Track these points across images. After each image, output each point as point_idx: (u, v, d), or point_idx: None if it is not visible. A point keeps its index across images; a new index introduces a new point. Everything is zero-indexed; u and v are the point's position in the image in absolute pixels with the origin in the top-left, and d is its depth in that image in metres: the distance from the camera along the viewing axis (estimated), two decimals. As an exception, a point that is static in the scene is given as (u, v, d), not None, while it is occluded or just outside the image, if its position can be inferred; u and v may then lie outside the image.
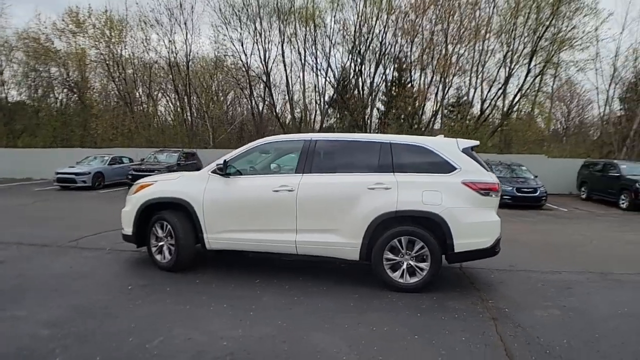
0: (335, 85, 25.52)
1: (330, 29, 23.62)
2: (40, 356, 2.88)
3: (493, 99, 22.60)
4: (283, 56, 23.27)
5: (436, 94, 24.57)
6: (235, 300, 4.06)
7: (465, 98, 26.23)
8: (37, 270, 4.95)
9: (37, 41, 23.09)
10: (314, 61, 24.34)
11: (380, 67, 25.15)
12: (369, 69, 25.14)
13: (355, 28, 23.19)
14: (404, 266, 4.48)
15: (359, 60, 24.66)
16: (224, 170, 4.78)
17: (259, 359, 2.91)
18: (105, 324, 3.40)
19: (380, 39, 23.65)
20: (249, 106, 25.13)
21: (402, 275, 4.48)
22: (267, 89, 24.29)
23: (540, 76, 21.33)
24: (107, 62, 22.87)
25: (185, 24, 22.53)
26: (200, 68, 24.34)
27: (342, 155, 4.84)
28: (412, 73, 25.22)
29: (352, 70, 25.34)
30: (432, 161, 4.60)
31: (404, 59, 25.59)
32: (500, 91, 22.52)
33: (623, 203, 12.64)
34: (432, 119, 24.58)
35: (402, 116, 26.73)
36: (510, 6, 20.31)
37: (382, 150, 4.71)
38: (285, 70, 23.67)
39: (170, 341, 3.09)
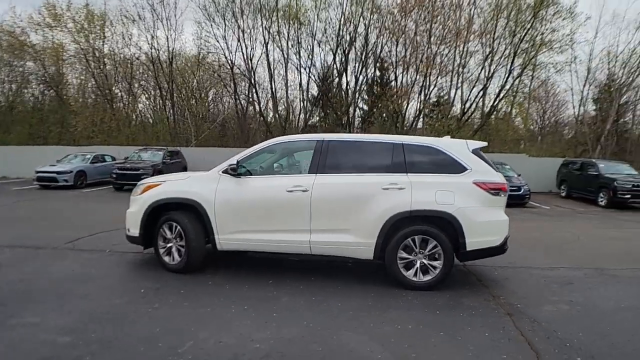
0: (319, 84, 25.56)
1: (315, 27, 23.62)
2: (68, 364, 2.80)
3: (475, 99, 23.10)
4: (267, 54, 23.14)
5: (420, 94, 24.94)
6: (253, 301, 4.04)
7: (446, 97, 26.75)
8: (39, 274, 4.78)
9: (12, 35, 22.12)
10: (298, 59, 24.32)
11: (364, 66, 25.37)
12: (353, 67, 25.34)
13: (339, 27, 23.30)
14: (418, 265, 4.56)
15: (343, 59, 24.80)
16: (236, 171, 4.75)
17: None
18: (128, 329, 3.33)
19: (364, 38, 23.84)
20: (234, 104, 24.82)
21: (415, 274, 4.56)
22: (251, 87, 24.10)
23: (519, 77, 21.92)
24: (87, 57, 22.14)
25: (167, 19, 22.18)
26: (183, 65, 23.88)
27: (355, 156, 4.87)
28: (396, 73, 25.44)
29: (335, 69, 25.44)
30: (443, 162, 4.70)
31: (387, 59, 25.92)
32: (482, 91, 23.04)
33: (602, 201, 13.18)
34: (416, 119, 24.90)
35: (384, 115, 27.08)
36: (492, 8, 20.80)
37: (395, 150, 4.77)
38: (270, 68, 23.53)
39: (202, 345, 3.06)
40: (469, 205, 4.51)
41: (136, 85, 24.99)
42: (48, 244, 6.21)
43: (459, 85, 25.20)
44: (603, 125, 23.19)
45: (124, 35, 22.30)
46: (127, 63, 22.93)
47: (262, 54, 22.96)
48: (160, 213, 5.03)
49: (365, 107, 27.83)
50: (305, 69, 24.72)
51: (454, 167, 4.67)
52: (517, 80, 22.25)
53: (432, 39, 22.83)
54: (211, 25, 21.87)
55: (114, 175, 14.36)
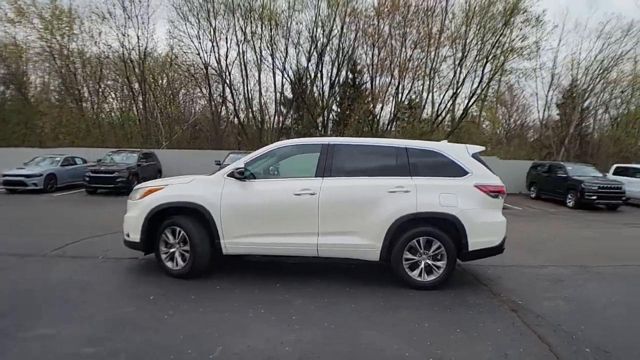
0: (294, 86, 25.60)
1: (290, 29, 23.64)
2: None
3: (448, 102, 23.83)
4: (242, 55, 22.96)
5: (394, 97, 25.47)
6: (268, 305, 4.05)
7: (417, 100, 27.41)
8: (36, 283, 4.58)
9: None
10: (273, 61, 24.28)
11: (338, 68, 25.65)
12: (328, 70, 25.56)
13: (313, 28, 23.44)
14: (422, 265, 4.71)
15: (317, 61, 24.96)
16: (244, 174, 4.74)
17: None
18: (150, 337, 3.26)
19: (339, 41, 24.12)
20: (207, 105, 24.43)
21: (420, 274, 4.71)
22: (225, 88, 23.83)
23: (490, 82, 22.83)
24: (54, 55, 21.16)
25: (137, 17, 21.53)
26: (155, 65, 23.27)
27: (360, 159, 4.97)
28: (370, 75, 25.86)
29: (310, 71, 25.56)
30: (445, 165, 4.88)
31: (360, 62, 26.33)
32: (454, 95, 23.81)
33: (570, 202, 13.92)
34: (392, 122, 25.39)
35: (357, 117, 27.48)
36: (464, 15, 21.59)
37: (399, 154, 4.91)
38: (245, 69, 23.36)
39: (232, 350, 3.05)
40: (470, 207, 4.71)
41: (105, 85, 24.13)
42: (35, 251, 5.93)
43: (432, 89, 26.05)
44: (566, 129, 24.51)
45: (92, 32, 21.50)
46: (96, 62, 22.08)
47: (237, 55, 22.77)
48: (162, 218, 4.94)
49: (339, 110, 28.07)
50: (280, 70, 24.74)
51: (456, 170, 4.86)
52: (489, 85, 23.14)
53: (406, 42, 23.45)
54: (185, 24, 21.49)
55: (87, 179, 13.79)
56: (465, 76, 23.07)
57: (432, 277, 4.71)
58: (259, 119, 25.78)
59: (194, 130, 24.88)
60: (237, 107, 23.89)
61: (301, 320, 3.69)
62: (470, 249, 4.70)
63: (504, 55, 21.45)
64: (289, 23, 23.43)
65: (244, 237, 4.78)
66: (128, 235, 5.09)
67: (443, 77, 25.13)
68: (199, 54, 22.10)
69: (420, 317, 3.86)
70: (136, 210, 5.00)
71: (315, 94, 27.03)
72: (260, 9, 22.35)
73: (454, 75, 23.65)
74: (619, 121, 24.09)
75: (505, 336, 3.49)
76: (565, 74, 25.46)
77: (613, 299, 4.58)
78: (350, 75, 27.43)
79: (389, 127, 25.56)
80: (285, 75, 25.33)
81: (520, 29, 20.61)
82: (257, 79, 24.32)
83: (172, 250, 4.91)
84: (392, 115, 26.33)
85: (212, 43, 21.87)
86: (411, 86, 24.32)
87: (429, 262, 4.72)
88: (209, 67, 22.43)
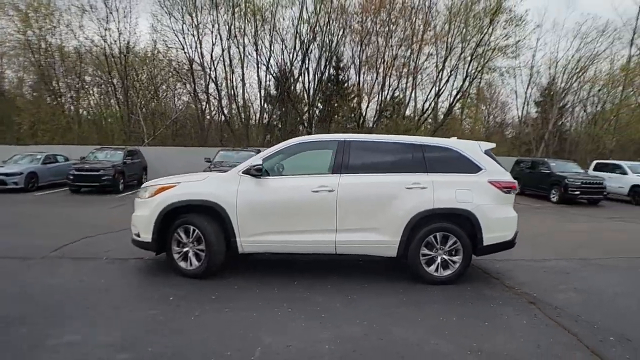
0: (279, 82, 25.42)
1: (276, 24, 23.43)
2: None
3: (432, 100, 24.18)
4: (228, 51, 22.64)
5: (380, 94, 25.65)
6: (292, 303, 4.02)
7: (401, 97, 27.68)
8: (45, 286, 4.39)
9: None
10: (257, 57, 24.05)
11: (325, 65, 25.65)
12: (313, 66, 25.50)
13: (300, 24, 23.32)
14: (439, 260, 4.78)
15: (304, 57, 24.87)
16: (261, 171, 4.68)
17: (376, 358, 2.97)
18: (183, 340, 3.18)
19: (324, 37, 24.08)
20: (191, 101, 23.98)
21: (437, 269, 4.78)
22: (209, 83, 23.46)
23: (474, 80, 23.29)
24: (32, 48, 20.28)
25: (119, 10, 20.89)
26: (138, 60, 22.65)
27: (376, 156, 4.99)
28: (356, 72, 25.95)
29: (296, 68, 25.45)
30: (460, 162, 4.95)
31: (346, 58, 26.40)
32: (439, 93, 24.18)
33: (554, 197, 14.34)
34: (377, 119, 25.55)
35: (341, 114, 27.56)
36: (450, 13, 21.93)
37: (415, 151, 4.95)
38: (230, 65, 23.05)
39: (272, 350, 3.01)
40: (485, 203, 4.80)
41: (82, 80, 23.32)
42: (32, 253, 5.69)
43: (415, 86, 26.37)
44: (545, 127, 25.24)
45: (72, 26, 20.72)
46: (76, 56, 21.29)
47: (222, 51, 22.42)
48: (174, 216, 4.83)
49: (323, 106, 28.05)
50: (265, 66, 24.52)
51: (470, 167, 4.94)
52: (472, 83, 23.59)
53: (392, 40, 23.64)
54: (169, 18, 20.99)
55: (71, 177, 13.31)
56: (450, 74, 23.46)
57: (448, 272, 4.78)
58: (245, 116, 25.51)
59: (178, 127, 24.37)
60: (222, 104, 23.55)
61: (331, 318, 3.68)
62: (484, 243, 4.79)
63: (485, 56, 21.93)
64: (274, 18, 23.27)
65: (260, 235, 4.73)
66: (138, 235, 4.96)
67: (427, 74, 25.54)
68: (183, 49, 21.66)
69: (445, 311, 3.92)
70: (147, 209, 4.87)
71: (300, 91, 26.98)
72: (245, 4, 22.08)
73: (438, 73, 24.04)
74: (596, 119, 25.00)
75: (531, 328, 3.58)
76: (544, 72, 26.27)
77: (619, 290, 4.76)
78: (334, 72, 27.49)
79: (375, 124, 25.71)
80: (270, 72, 25.16)
81: (504, 28, 21.11)
82: (242, 75, 24.07)
83: (185, 249, 4.81)
84: (377, 112, 26.54)
85: (197, 38, 21.46)
86: (398, 83, 24.52)
87: (445, 257, 4.78)
88: (194, 63, 22.01)
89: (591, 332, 3.49)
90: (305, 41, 23.84)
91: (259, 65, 24.30)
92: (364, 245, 4.77)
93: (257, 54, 23.48)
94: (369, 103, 26.63)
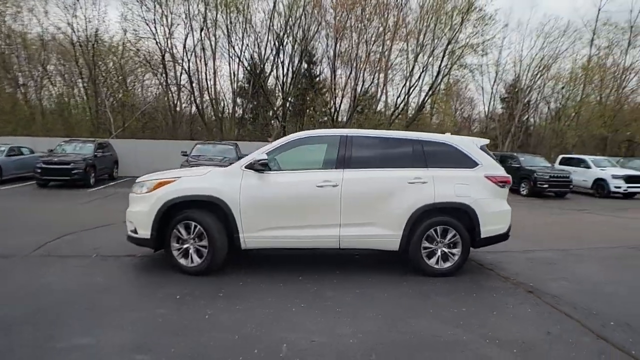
0: (252, 75, 25.02)
1: (248, 16, 22.97)
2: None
3: (406, 96, 24.57)
4: (201, 42, 22.01)
5: (354, 89, 25.76)
6: (303, 298, 4.01)
7: (373, 92, 27.93)
8: (38, 287, 4.14)
9: None
10: (230, 49, 23.55)
11: (299, 59, 25.47)
12: (287, 60, 25.26)
13: (272, 17, 22.97)
14: (439, 253, 4.90)
15: (277, 50, 24.59)
16: (267, 166, 4.62)
17: (402, 352, 3.01)
18: (204, 340, 3.09)
19: (298, 31, 23.90)
20: (164, 93, 23.19)
21: (437, 262, 4.90)
22: (182, 75, 22.78)
23: (444, 77, 23.85)
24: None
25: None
26: (107, 49, 21.57)
27: (378, 151, 5.03)
28: (331, 67, 25.93)
29: (270, 61, 25.13)
30: (458, 157, 5.08)
31: (320, 53, 26.35)
32: (412, 88, 24.62)
33: (523, 190, 14.98)
34: (351, 114, 25.69)
35: (314, 107, 27.54)
36: (422, 9, 22.31)
37: (415, 146, 5.03)
38: (204, 56, 22.47)
39: (298, 346, 3.00)
40: (482, 196, 4.96)
41: (44, 69, 22.01)
42: (12, 252, 5.38)
43: (389, 82, 26.71)
44: (511, 122, 26.25)
45: (36, 12, 19.45)
46: (40, 44, 20.01)
47: (195, 42, 21.78)
48: (174, 212, 4.69)
49: (297, 100, 27.90)
50: (238, 59, 24.04)
51: (467, 162, 5.08)
52: (443, 79, 24.16)
53: (366, 36, 23.78)
54: (140, 7, 20.11)
55: (39, 170, 12.61)
56: (422, 71, 23.90)
57: (448, 264, 4.92)
58: (218, 109, 24.96)
59: (147, 119, 23.52)
60: (194, 96, 22.91)
61: (346, 312, 3.70)
62: (482, 236, 4.95)
63: (457, 53, 22.50)
64: (248, 11, 22.80)
65: (264, 231, 4.68)
66: (135, 232, 4.78)
67: (399, 70, 25.93)
68: (155, 39, 20.85)
69: (453, 302, 4.04)
70: (145, 205, 4.70)
71: (274, 84, 26.67)
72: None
73: (411, 70, 24.46)
74: (560, 115, 26.25)
75: (537, 316, 3.76)
76: (509, 69, 27.28)
77: (602, 279, 5.06)
78: (308, 67, 27.37)
79: (349, 119, 25.84)
80: (244, 65, 24.71)
81: (475, 26, 21.72)
82: (214, 67, 23.45)
83: (185, 246, 4.68)
84: (350, 106, 26.67)
85: (169, 28, 20.72)
86: (372, 79, 24.69)
87: (445, 250, 4.91)
88: (166, 54, 21.26)
89: (592, 319, 3.70)
90: (280, 34, 23.56)
91: (232, 58, 23.85)
92: (367, 240, 4.82)
93: (229, 46, 23.01)
94: (342, 98, 26.74)
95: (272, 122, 27.18)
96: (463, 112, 36.53)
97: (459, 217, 4.93)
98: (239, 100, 26.61)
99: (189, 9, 21.17)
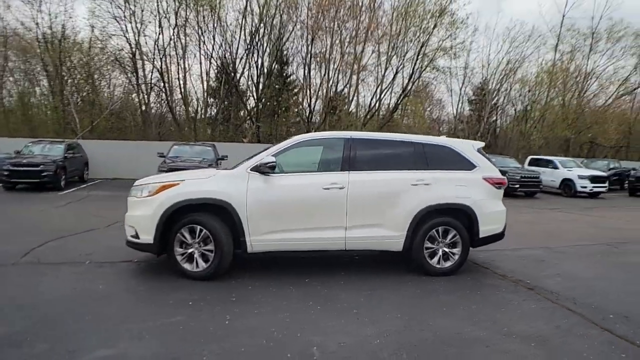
0: (225, 75, 24.64)
1: (221, 16, 22.60)
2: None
3: (380, 97, 24.97)
4: (175, 40, 21.46)
5: (328, 90, 25.91)
6: (317, 301, 4.02)
7: (346, 94, 28.17)
8: (37, 296, 3.91)
9: None
10: (204, 48, 23.11)
11: (272, 59, 25.32)
12: (260, 61, 25.06)
13: (243, 16, 22.73)
14: (440, 253, 5.04)
15: (251, 50, 24.35)
16: (274, 169, 4.60)
17: (431, 350, 3.08)
18: (233, 346, 3.03)
19: (275, 32, 23.79)
20: (135, 92, 22.45)
21: (438, 262, 5.04)
22: (152, 74, 22.12)
23: (418, 79, 24.43)
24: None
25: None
26: (73, 46, 20.58)
27: (381, 153, 5.11)
28: (305, 68, 25.95)
29: (243, 61, 24.83)
30: (457, 160, 5.25)
31: (293, 54, 26.30)
32: (383, 91, 25.06)
33: (497, 189, 15.51)
34: (325, 114, 25.80)
35: (284, 108, 27.49)
36: (398, 14, 22.76)
37: (416, 149, 5.16)
38: (177, 55, 21.91)
39: (327, 349, 3.00)
40: (481, 198, 5.15)
41: (9, 66, 20.79)
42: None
43: (362, 83, 27.05)
44: (479, 124, 27.21)
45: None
46: (3, 40, 18.82)
47: (169, 40, 21.22)
48: (177, 216, 4.58)
49: (270, 101, 27.72)
50: (210, 57, 23.61)
51: (466, 164, 5.26)
52: (416, 81, 24.72)
53: (340, 37, 23.98)
54: (110, 3, 19.37)
55: (6, 173, 11.92)
56: (396, 72, 24.36)
57: (449, 264, 5.06)
58: (189, 109, 24.41)
59: (116, 119, 22.66)
60: (167, 95, 22.31)
61: (363, 313, 3.74)
62: (480, 236, 5.15)
63: (429, 56, 23.12)
64: (220, 9, 22.43)
65: (271, 234, 4.65)
66: (136, 236, 4.63)
67: (372, 72, 26.30)
68: (125, 37, 20.14)
69: (462, 301, 4.17)
70: (148, 208, 4.56)
71: (247, 85, 26.39)
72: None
73: (384, 71, 24.89)
74: (527, 117, 27.46)
75: (542, 311, 3.95)
76: (477, 72, 28.29)
77: (591, 274, 5.37)
78: (281, 67, 27.27)
79: (324, 120, 25.95)
80: (216, 64, 24.31)
81: (447, 30, 22.40)
82: (184, 66, 22.85)
83: (189, 250, 4.59)
84: (324, 107, 26.80)
85: (139, 26, 20.08)
86: (349, 80, 24.90)
87: (446, 249, 5.06)
88: (136, 51, 20.58)
89: (592, 312, 3.92)
90: (253, 33, 23.33)
91: (205, 57, 23.38)
92: (372, 241, 4.89)
93: (200, 45, 22.52)
94: (316, 99, 26.83)
95: (246, 122, 26.88)
96: (432, 114, 37.49)
97: (458, 218, 5.09)
98: (210, 100, 26.15)
99: (158, 7, 20.61)
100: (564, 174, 16.12)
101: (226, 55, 24.03)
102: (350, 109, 28.46)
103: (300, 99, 28.27)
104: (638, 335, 3.43)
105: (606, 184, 15.87)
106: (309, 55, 24.37)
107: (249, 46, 23.69)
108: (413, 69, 23.35)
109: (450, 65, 25.77)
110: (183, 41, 22.05)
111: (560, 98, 27.06)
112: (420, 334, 3.32)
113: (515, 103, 28.64)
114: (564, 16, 27.08)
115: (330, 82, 25.54)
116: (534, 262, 5.91)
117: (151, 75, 22.21)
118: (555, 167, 16.55)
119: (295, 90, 28.56)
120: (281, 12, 23.08)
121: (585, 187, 15.41)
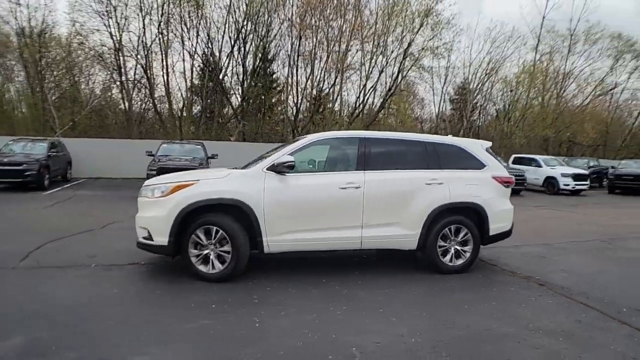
0: (212, 73, 24.30)
1: (206, 13, 22.26)
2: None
3: (367, 95, 25.13)
4: (160, 37, 20.99)
5: (315, 89, 25.88)
6: (339, 301, 4.01)
7: (331, 92, 28.19)
8: (48, 302, 3.74)
9: None
10: (190, 44, 22.72)
11: (259, 57, 25.11)
12: (247, 59, 24.81)
13: (227, 13, 22.46)
14: (452, 251, 5.12)
15: (239, 48, 24.08)
16: (293, 168, 4.56)
17: (468, 346, 3.13)
18: (270, 347, 3.00)
19: (261, 29, 23.58)
20: (119, 90, 21.85)
21: (450, 259, 5.12)
22: (137, 70, 21.58)
23: (403, 78, 24.69)
24: None
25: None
26: (50, 38, 19.82)
27: (394, 153, 5.15)
28: (291, 66, 25.82)
29: (229, 59, 24.53)
30: (467, 159, 5.34)
31: (280, 52, 26.13)
32: (366, 90, 25.24)
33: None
34: (311, 113, 25.77)
35: (269, 107, 27.34)
36: (384, 14, 22.93)
37: (428, 148, 5.22)
38: (161, 50, 21.43)
39: (366, 349, 3.00)
40: (491, 196, 5.25)
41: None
42: (-3, 263, 4.88)
43: (347, 81, 27.13)
44: (460, 123, 27.73)
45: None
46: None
47: (154, 37, 20.73)
48: (192, 217, 4.49)
49: (255, 100, 27.47)
50: (194, 54, 23.22)
51: (476, 163, 5.35)
52: (400, 81, 24.99)
53: (326, 35, 23.98)
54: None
55: (-14, 172, 11.46)
56: (382, 71, 24.56)
57: (460, 261, 5.14)
58: (172, 107, 23.95)
59: (98, 116, 22.01)
60: (151, 92, 21.81)
61: (389, 312, 3.75)
62: (490, 234, 5.25)
63: (412, 57, 23.40)
64: (205, 6, 22.08)
65: (287, 234, 4.61)
66: (149, 238, 4.52)
67: (358, 70, 26.41)
68: (109, 32, 19.55)
69: (481, 298, 4.25)
70: (162, 209, 4.45)
71: (233, 83, 26.10)
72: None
73: (370, 70, 25.04)
74: (509, 116, 28.17)
75: (559, 306, 4.06)
76: (459, 71, 28.82)
77: (594, 270, 5.56)
78: (267, 65, 27.06)
79: (310, 119, 25.92)
80: (201, 61, 23.93)
81: (433, 29, 22.72)
82: (166, 63, 22.35)
83: (205, 252, 4.50)
84: (310, 106, 26.77)
85: (125, 21, 19.55)
86: (335, 79, 24.93)
87: (458, 247, 5.14)
88: (120, 48, 20.01)
89: (606, 306, 4.06)
90: (239, 30, 23.05)
91: (188, 55, 22.98)
92: (387, 240, 4.92)
93: (182, 41, 22.11)
94: (302, 97, 26.75)
95: (231, 121, 26.57)
96: (414, 112, 37.95)
97: (470, 216, 5.18)
98: (195, 98, 25.71)
99: (141, 3, 20.09)
100: (547, 172, 16.61)
101: (211, 52, 23.70)
102: (335, 108, 28.54)
103: (285, 97, 28.15)
104: (655, 327, 3.58)
105: (587, 182, 16.44)
106: (296, 54, 24.24)
107: (234, 43, 23.43)
108: (399, 67, 23.57)
109: (433, 65, 26.16)
110: (167, 37, 21.61)
111: (540, 98, 27.86)
112: (452, 332, 3.36)
113: (497, 102, 29.35)
114: (544, 18, 27.89)
115: (316, 80, 25.55)
116: (536, 258, 6.07)
117: (134, 72, 21.68)
118: (539, 166, 17.02)
119: (279, 88, 28.40)
120: (268, 8, 22.89)
121: (568, 184, 15.92)
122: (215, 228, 4.45)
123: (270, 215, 4.52)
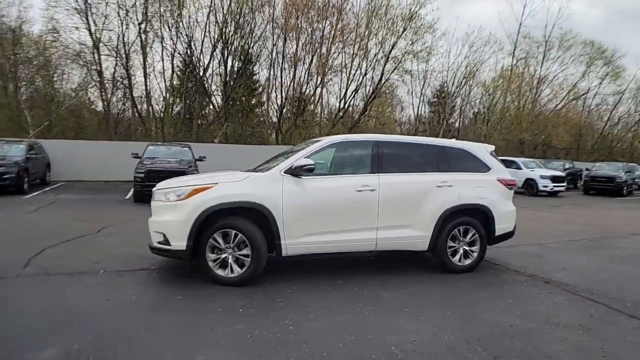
0: (195, 74, 23.95)
1: (190, 14, 21.95)
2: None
3: (350, 98, 25.38)
4: (143, 37, 20.53)
5: (298, 91, 25.91)
6: (363, 301, 4.08)
7: (315, 93, 28.30)
8: (70, 311, 3.62)
9: None
10: (172, 44, 22.34)
11: (242, 59, 24.96)
12: (228, 60, 24.58)
13: (209, 13, 22.24)
14: (461, 251, 5.28)
15: (220, 49, 23.85)
16: (311, 171, 4.60)
17: (500, 342, 3.25)
18: (313, 350, 3.02)
19: (245, 30, 23.46)
20: (99, 90, 21.20)
21: (459, 260, 5.28)
22: (116, 70, 21.02)
23: (386, 81, 25.08)
24: None
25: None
26: (29, 39, 19.05)
27: (407, 156, 5.28)
28: (275, 68, 25.77)
29: (212, 60, 24.27)
30: (474, 162, 5.53)
31: (264, 53, 26.04)
32: (350, 92, 25.52)
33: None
34: (296, 115, 25.79)
35: (250, 108, 27.22)
36: (369, 17, 23.26)
37: (438, 152, 5.39)
38: (143, 52, 20.97)
39: (405, 347, 3.08)
40: (496, 198, 5.46)
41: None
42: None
43: (329, 84, 27.33)
44: (439, 125, 28.39)
45: None
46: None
47: (136, 36, 20.26)
48: (209, 220, 4.46)
49: (239, 101, 27.28)
50: (175, 54, 22.83)
51: (482, 166, 5.55)
52: (383, 84, 25.37)
53: (312, 38, 24.11)
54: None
55: (-37, 175, 10.92)
56: (365, 74, 24.86)
57: (468, 261, 5.32)
58: (151, 109, 23.45)
59: (76, 116, 21.30)
60: (131, 93, 21.30)
61: (414, 312, 3.85)
62: (496, 234, 5.45)
63: (394, 60, 23.84)
64: (190, 4, 21.78)
65: (305, 237, 4.65)
66: (166, 242, 4.45)
67: (341, 73, 26.65)
68: (88, 30, 18.95)
69: (495, 295, 4.42)
70: (179, 213, 4.40)
71: (217, 84, 25.81)
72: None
73: (354, 73, 25.33)
74: (488, 119, 29.05)
75: (569, 302, 4.28)
76: (438, 75, 29.54)
77: (593, 267, 5.85)
78: (250, 67, 26.91)
79: (294, 121, 25.94)
80: (182, 58, 23.53)
81: (416, 33, 23.21)
82: (145, 63, 21.84)
83: (223, 256, 4.48)
84: (293, 108, 26.80)
85: (104, 20, 19.02)
86: (319, 81, 25.03)
87: (466, 248, 5.31)
88: (99, 46, 19.45)
89: (612, 302, 4.30)
90: (222, 30, 22.84)
91: (168, 54, 22.57)
92: (400, 241, 5.04)
93: (162, 40, 21.71)
94: (285, 99, 26.72)
95: (215, 122, 26.24)
96: (393, 114, 38.53)
97: (477, 217, 5.37)
98: (177, 100, 25.27)
99: (118, 1, 19.60)
100: (527, 174, 17.23)
101: (192, 52, 23.35)
102: (318, 110, 28.70)
103: (266, 99, 28.04)
104: (660, 320, 3.82)
105: (565, 183, 17.16)
106: (281, 55, 24.21)
107: (215, 43, 23.17)
108: (382, 70, 23.93)
109: (412, 68, 26.64)
110: (147, 36, 21.16)
111: (517, 102, 28.91)
112: (480, 328, 3.49)
113: (475, 105, 30.22)
114: (520, 24, 28.99)
115: (299, 82, 25.59)
116: (534, 257, 6.33)
117: (114, 72, 21.11)
118: (519, 168, 17.63)
119: (261, 89, 28.28)
120: (252, 8, 22.77)
121: (547, 186, 16.57)
122: (234, 232, 4.44)
123: (288, 218, 4.54)
